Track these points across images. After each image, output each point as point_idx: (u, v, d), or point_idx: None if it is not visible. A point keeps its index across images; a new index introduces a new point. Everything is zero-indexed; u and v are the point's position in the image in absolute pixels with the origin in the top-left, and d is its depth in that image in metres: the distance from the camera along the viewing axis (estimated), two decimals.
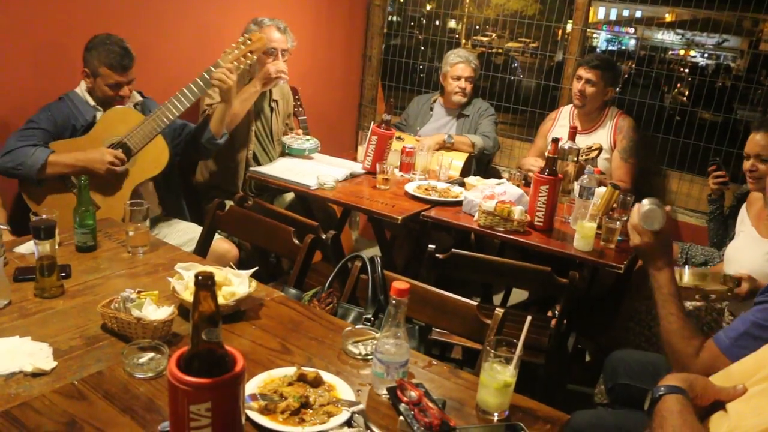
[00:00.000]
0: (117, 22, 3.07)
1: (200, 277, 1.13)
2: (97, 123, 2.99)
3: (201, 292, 1.13)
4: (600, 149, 3.49)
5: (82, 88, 3.04)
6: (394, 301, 1.53)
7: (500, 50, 4.80)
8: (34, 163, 2.80)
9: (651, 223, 1.90)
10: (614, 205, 2.98)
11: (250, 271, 2.00)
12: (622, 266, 2.65)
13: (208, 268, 1.98)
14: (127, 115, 3.02)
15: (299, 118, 3.98)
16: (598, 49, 4.90)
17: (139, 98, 3.18)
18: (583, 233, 2.74)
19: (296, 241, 2.49)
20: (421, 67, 4.87)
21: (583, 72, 3.67)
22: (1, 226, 2.71)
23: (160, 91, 3.25)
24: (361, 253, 2.33)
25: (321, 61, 4.61)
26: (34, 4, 3.08)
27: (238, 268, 2.03)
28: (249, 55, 3.15)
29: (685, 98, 4.30)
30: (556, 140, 2.89)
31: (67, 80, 3.12)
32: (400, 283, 1.52)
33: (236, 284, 1.94)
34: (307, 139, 3.81)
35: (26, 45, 3.11)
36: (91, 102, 3.02)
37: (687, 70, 4.46)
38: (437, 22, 4.98)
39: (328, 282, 2.24)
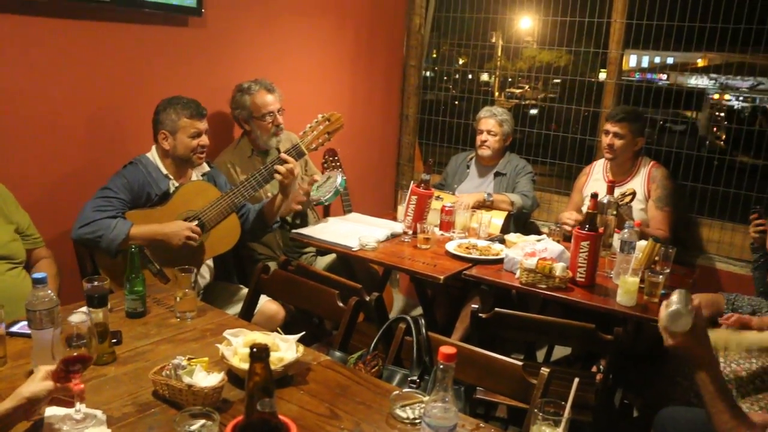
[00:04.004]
0: (164, 92, 3.16)
1: (255, 350, 1.17)
2: (174, 195, 3.00)
3: (256, 363, 1.17)
4: (633, 194, 3.46)
5: (154, 154, 3.06)
6: (441, 366, 1.53)
7: (534, 102, 4.83)
8: (115, 237, 2.80)
9: (677, 326, 1.78)
10: (656, 258, 2.96)
11: (297, 336, 2.02)
12: None
13: (256, 334, 2.01)
14: (205, 190, 3.07)
15: None
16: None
17: (207, 168, 3.20)
18: (626, 288, 2.72)
19: (340, 304, 2.51)
20: (456, 123, 4.91)
21: (609, 126, 3.70)
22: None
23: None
24: (403, 312, 2.35)
25: (359, 123, 4.68)
26: (84, 76, 3.17)
27: (283, 330, 2.06)
28: (326, 136, 3.15)
29: (722, 143, 4.26)
30: (594, 196, 2.90)
31: (120, 146, 3.24)
32: (448, 348, 1.53)
33: (284, 349, 1.96)
34: (328, 177, 3.78)
35: (80, 114, 3.19)
36: (164, 170, 3.05)
37: (723, 114, 4.43)
38: (470, 76, 5.06)
39: (372, 344, 2.26)
